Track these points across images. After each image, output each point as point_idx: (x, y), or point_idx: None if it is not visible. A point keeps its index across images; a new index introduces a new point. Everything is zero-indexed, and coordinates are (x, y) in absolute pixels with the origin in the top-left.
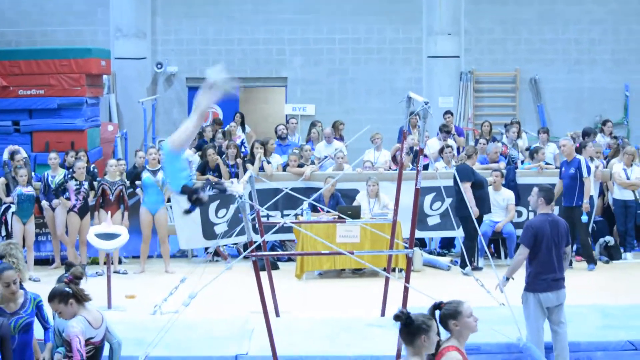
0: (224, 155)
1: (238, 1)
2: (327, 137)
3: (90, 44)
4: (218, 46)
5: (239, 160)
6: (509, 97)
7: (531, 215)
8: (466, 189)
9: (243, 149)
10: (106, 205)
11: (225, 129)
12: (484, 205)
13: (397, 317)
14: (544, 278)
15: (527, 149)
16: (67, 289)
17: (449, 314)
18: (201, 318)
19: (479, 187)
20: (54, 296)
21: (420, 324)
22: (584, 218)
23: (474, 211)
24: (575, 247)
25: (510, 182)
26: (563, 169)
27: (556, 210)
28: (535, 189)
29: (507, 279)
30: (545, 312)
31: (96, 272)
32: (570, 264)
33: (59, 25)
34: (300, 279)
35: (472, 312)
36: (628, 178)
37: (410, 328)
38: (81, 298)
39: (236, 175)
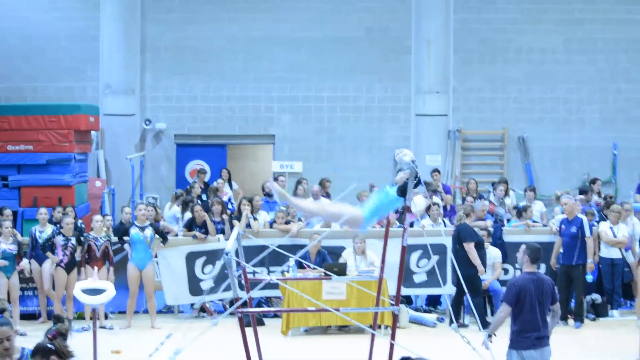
0: (209, 212)
1: (228, 58)
2: (315, 194)
3: (80, 100)
4: (207, 103)
5: (224, 217)
6: (496, 155)
7: (518, 272)
8: (470, 248)
9: (230, 206)
10: (92, 260)
11: (212, 185)
12: (483, 264)
13: None
14: (528, 336)
15: (514, 207)
16: (49, 345)
17: None
18: None
19: (480, 247)
20: (36, 352)
21: None
22: (589, 277)
23: (480, 270)
24: (572, 304)
25: (497, 240)
26: (563, 226)
27: (542, 268)
28: (523, 247)
29: (490, 335)
30: None
31: (82, 327)
32: (564, 319)
33: (49, 82)
34: (286, 335)
35: None
36: (615, 236)
37: None
38: (63, 355)
39: (222, 232)
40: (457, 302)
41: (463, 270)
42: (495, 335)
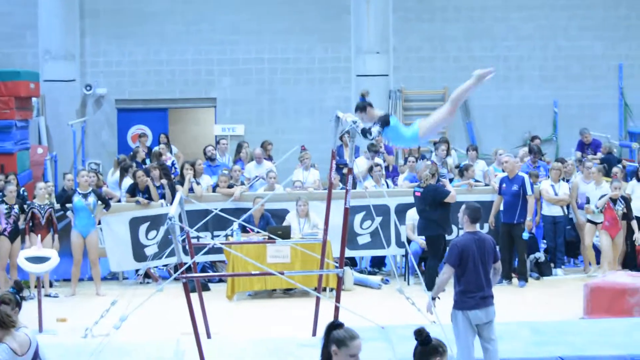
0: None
1: (167, 21)
2: (257, 157)
3: (19, 67)
4: (147, 67)
5: (163, 181)
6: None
7: (461, 232)
8: (453, 197)
9: (174, 170)
10: (36, 228)
11: (155, 150)
12: (450, 224)
13: (418, 332)
14: (472, 296)
15: (456, 167)
16: None
17: (336, 339)
18: (132, 341)
19: (447, 206)
20: None
21: (437, 346)
22: (525, 235)
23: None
24: (515, 263)
25: None
26: (504, 185)
27: (486, 227)
28: (463, 207)
29: (434, 298)
30: (475, 329)
31: (27, 296)
32: (509, 278)
33: None
34: (231, 300)
35: (357, 353)
36: (556, 194)
37: (427, 347)
38: (4, 324)
39: (163, 196)
40: (435, 265)
41: (433, 230)
42: (439, 298)
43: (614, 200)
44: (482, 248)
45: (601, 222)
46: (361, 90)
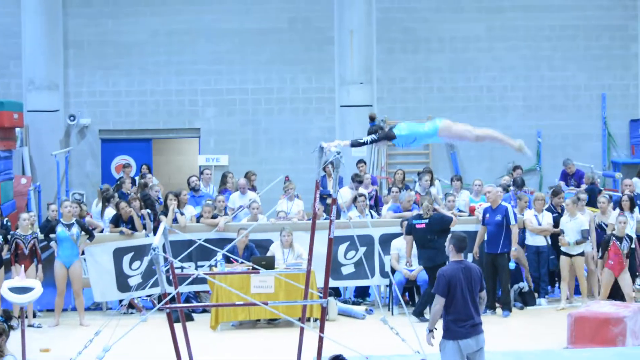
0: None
1: (150, 52)
2: (241, 187)
3: (3, 97)
4: (131, 98)
5: (144, 211)
6: (421, 145)
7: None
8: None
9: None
10: (20, 259)
11: (141, 181)
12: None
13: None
14: (463, 325)
15: (441, 198)
16: None
17: None
18: None
19: (448, 232)
20: None
21: None
22: (512, 265)
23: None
24: (499, 293)
25: None
26: (487, 215)
27: (470, 257)
28: (449, 237)
29: (430, 330)
30: (465, 359)
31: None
32: (493, 308)
33: None
34: (215, 330)
35: None
36: (539, 224)
37: None
38: None
39: (144, 227)
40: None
41: (440, 259)
42: (436, 329)
43: (618, 238)
44: (468, 277)
45: (578, 254)
46: (369, 114)
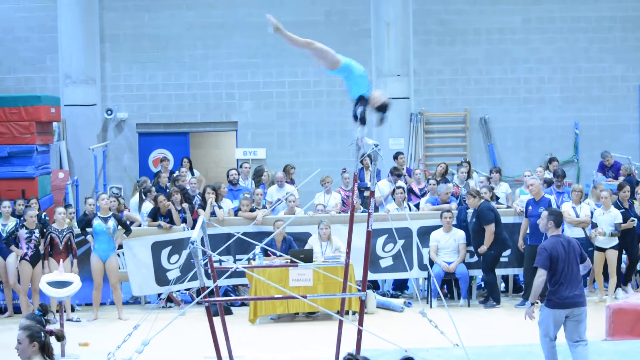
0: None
1: (187, 46)
2: (279, 181)
3: (40, 91)
4: (168, 91)
5: (185, 205)
6: (459, 137)
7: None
8: (489, 230)
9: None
10: (55, 253)
11: (175, 174)
12: (505, 243)
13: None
14: (563, 296)
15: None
16: (42, 334)
17: None
18: None
19: (497, 224)
20: (28, 327)
21: None
22: None
23: (481, 250)
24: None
25: (461, 223)
26: (530, 207)
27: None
28: (545, 213)
29: (532, 304)
30: (559, 328)
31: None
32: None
33: (8, 73)
34: (254, 323)
35: None
36: (577, 216)
37: None
38: (46, 354)
39: (184, 220)
40: (491, 280)
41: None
42: (537, 302)
43: None
44: (568, 249)
45: (611, 247)
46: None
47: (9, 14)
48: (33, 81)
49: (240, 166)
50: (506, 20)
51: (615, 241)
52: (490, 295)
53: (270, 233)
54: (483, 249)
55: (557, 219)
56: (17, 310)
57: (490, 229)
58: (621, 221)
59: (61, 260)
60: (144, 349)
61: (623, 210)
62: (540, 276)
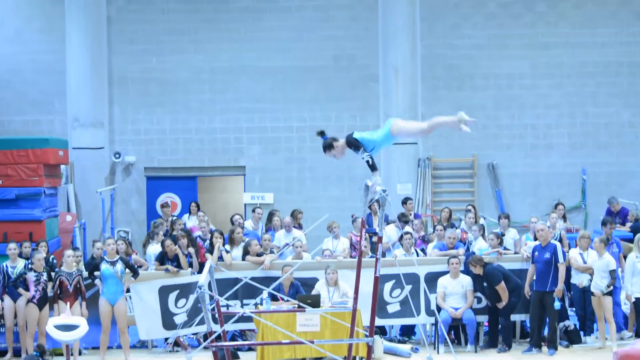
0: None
1: (194, 91)
2: (287, 225)
3: (48, 134)
4: (176, 135)
5: (191, 250)
6: (467, 182)
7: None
8: (501, 288)
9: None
10: (64, 296)
11: (177, 220)
12: (519, 287)
13: None
14: None
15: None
16: None
17: None
18: None
19: (507, 280)
20: None
21: None
22: (557, 305)
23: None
24: (545, 331)
25: (468, 268)
26: (536, 253)
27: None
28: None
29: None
30: None
31: None
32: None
33: (16, 115)
34: None
35: None
36: (585, 262)
37: None
38: None
39: (190, 265)
40: (495, 325)
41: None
42: None
43: None
44: None
45: (606, 294)
46: (317, 130)
47: (18, 57)
48: (41, 124)
49: (253, 211)
50: (514, 65)
51: (610, 287)
52: (504, 340)
53: (277, 278)
54: (503, 304)
55: None
56: (17, 353)
57: (501, 287)
58: (614, 268)
59: (69, 303)
60: None
61: None
62: None
